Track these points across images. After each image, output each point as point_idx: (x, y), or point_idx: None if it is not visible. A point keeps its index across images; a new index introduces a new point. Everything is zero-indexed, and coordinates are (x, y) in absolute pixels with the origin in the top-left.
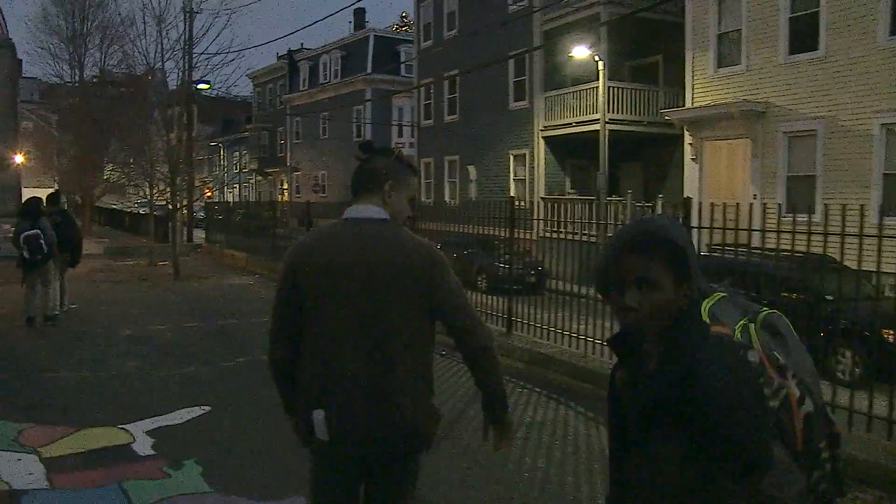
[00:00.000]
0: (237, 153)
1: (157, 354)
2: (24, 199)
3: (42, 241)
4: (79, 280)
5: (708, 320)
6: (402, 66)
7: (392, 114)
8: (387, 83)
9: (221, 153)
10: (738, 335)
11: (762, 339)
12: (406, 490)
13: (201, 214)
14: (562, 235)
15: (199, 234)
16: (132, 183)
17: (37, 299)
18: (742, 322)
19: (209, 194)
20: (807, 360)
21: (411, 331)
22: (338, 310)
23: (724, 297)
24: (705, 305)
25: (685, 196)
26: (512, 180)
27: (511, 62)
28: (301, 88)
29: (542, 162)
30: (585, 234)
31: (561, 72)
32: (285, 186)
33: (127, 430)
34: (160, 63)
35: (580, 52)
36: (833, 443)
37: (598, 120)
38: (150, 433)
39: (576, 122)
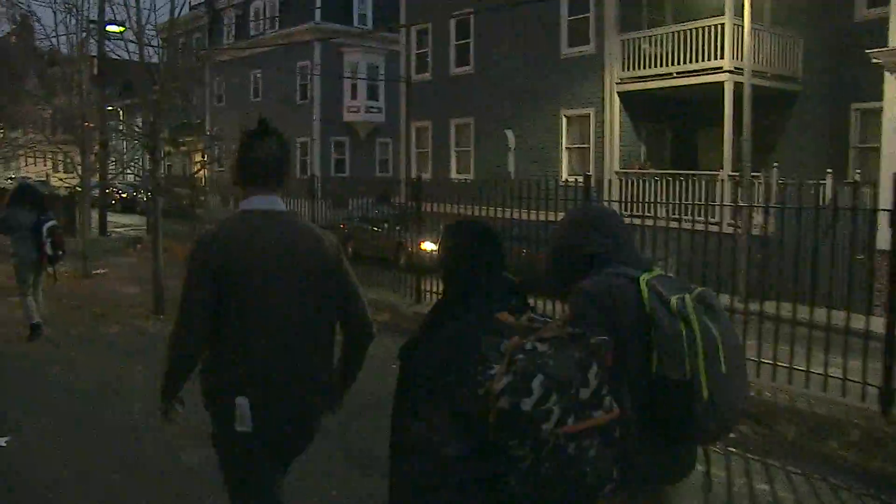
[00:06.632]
0: (140, 120)
1: None
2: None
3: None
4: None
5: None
6: (356, 14)
7: (343, 71)
8: (340, 34)
9: (121, 118)
10: (675, 304)
11: (694, 306)
12: None
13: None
14: (654, 222)
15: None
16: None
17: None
18: (680, 295)
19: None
20: (731, 331)
21: (328, 315)
22: (265, 302)
23: (661, 273)
24: (644, 278)
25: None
26: (564, 149)
27: None
28: (225, 42)
29: (615, 125)
30: (699, 221)
31: (639, 7)
32: (203, 159)
33: None
34: None
35: None
36: (537, 448)
37: (722, 68)
38: None
39: (678, 73)
